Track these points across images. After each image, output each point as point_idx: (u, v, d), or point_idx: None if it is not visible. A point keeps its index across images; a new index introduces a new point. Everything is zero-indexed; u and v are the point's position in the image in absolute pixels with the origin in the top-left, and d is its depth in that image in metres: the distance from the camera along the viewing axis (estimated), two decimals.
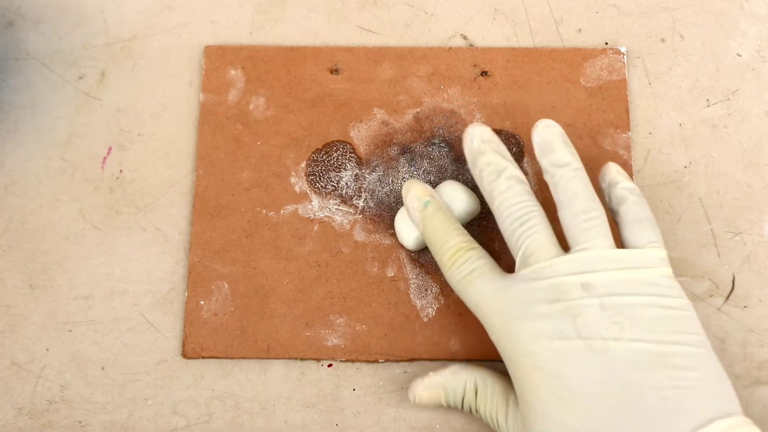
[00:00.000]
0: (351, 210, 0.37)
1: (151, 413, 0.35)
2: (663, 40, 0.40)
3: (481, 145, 0.32)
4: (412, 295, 0.36)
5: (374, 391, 0.35)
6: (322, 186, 0.38)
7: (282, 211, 0.37)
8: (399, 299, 0.36)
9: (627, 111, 0.38)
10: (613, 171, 0.32)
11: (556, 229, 0.31)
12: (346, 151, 0.38)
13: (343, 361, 0.36)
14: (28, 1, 0.41)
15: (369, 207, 0.37)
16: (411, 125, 0.38)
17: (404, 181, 0.37)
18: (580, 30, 0.40)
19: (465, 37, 0.40)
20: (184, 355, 0.36)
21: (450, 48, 0.39)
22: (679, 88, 0.39)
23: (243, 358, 0.36)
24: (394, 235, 0.37)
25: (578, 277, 0.29)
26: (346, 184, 0.38)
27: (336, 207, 0.37)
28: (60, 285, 0.37)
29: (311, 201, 0.37)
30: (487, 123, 0.38)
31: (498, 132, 0.37)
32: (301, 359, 0.36)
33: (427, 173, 0.38)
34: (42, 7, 0.41)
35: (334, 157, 0.38)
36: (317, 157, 0.38)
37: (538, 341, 0.29)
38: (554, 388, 0.28)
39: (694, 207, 0.37)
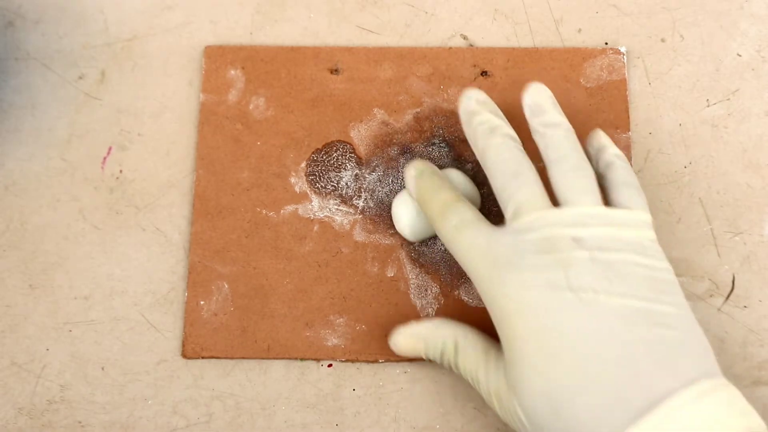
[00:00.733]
0: (351, 210, 0.37)
1: (151, 413, 0.35)
2: (663, 40, 0.40)
3: (476, 106, 0.33)
4: (412, 295, 0.36)
5: (374, 391, 0.35)
6: (322, 186, 0.38)
7: (282, 211, 0.37)
8: (399, 299, 0.36)
9: (627, 111, 0.38)
10: (601, 137, 0.33)
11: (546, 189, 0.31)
12: (346, 151, 0.38)
13: (343, 361, 0.36)
14: (28, 1, 0.41)
15: (369, 207, 0.37)
16: (411, 125, 0.38)
17: (404, 181, 0.37)
18: (580, 30, 0.40)
19: (465, 37, 0.40)
20: (184, 355, 0.36)
21: (450, 48, 0.39)
22: (679, 88, 0.39)
23: (243, 358, 0.36)
24: (394, 235, 0.37)
25: (569, 230, 0.29)
26: (346, 184, 0.38)
27: (336, 207, 0.37)
28: (60, 285, 0.37)
29: (311, 201, 0.37)
30: None
31: None
32: (301, 359, 0.36)
33: None
34: (42, 7, 0.41)
35: (334, 157, 0.38)
36: (317, 157, 0.38)
37: (527, 291, 0.29)
38: (543, 340, 0.28)
39: (694, 207, 0.37)
